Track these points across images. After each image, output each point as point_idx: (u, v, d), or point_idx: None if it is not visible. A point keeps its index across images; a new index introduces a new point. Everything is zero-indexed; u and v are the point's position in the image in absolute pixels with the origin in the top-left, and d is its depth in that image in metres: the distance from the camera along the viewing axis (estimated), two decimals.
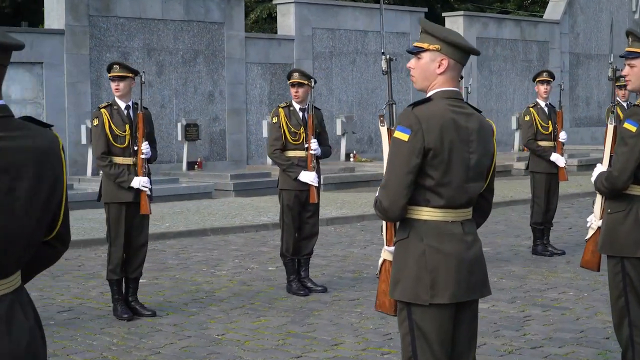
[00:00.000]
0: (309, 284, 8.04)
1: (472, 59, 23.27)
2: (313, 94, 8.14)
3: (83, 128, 16.16)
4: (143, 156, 7.14)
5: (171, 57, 18.60)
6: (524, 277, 8.62)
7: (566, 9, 26.71)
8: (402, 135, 3.51)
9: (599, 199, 4.86)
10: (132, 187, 7.09)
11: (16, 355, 2.53)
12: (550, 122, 9.91)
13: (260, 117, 19.61)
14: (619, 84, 9.56)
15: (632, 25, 27.15)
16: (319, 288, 8.02)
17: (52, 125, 2.66)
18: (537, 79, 10.12)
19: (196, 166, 18.06)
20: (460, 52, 3.61)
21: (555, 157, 9.79)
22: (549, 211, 9.92)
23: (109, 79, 7.26)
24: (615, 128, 4.94)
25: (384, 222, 3.79)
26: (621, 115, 7.32)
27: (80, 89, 17.19)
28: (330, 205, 14.20)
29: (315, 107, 8.10)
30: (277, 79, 20.06)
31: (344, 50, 21.56)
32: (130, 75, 7.22)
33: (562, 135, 9.92)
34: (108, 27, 17.67)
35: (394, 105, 3.91)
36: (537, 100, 10.08)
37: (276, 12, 22.06)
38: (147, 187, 7.13)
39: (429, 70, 3.63)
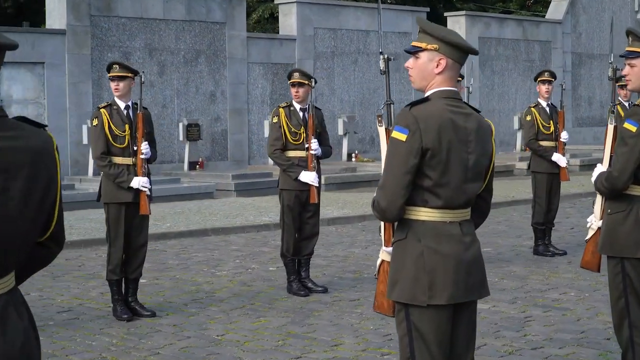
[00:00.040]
0: (310, 284, 8.02)
1: (475, 58, 23.26)
2: (313, 94, 8.12)
3: (84, 128, 16.15)
4: (142, 156, 7.13)
5: (173, 57, 18.60)
6: (525, 277, 8.59)
7: (568, 8, 26.68)
8: (399, 135, 3.48)
9: (599, 199, 4.84)
10: (132, 187, 7.08)
11: (10, 356, 2.52)
12: (551, 122, 9.89)
13: (261, 117, 19.60)
14: (620, 83, 9.53)
15: (635, 25, 27.12)
16: (320, 288, 8.00)
17: (46, 126, 2.65)
18: (539, 79, 10.11)
19: (198, 166, 18.05)
20: (458, 51, 3.59)
21: (556, 157, 9.77)
22: (550, 211, 9.90)
23: (109, 78, 7.25)
24: (615, 128, 4.91)
25: (382, 223, 3.77)
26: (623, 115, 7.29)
27: (81, 89, 17.19)
28: (332, 205, 14.19)
29: (316, 107, 8.08)
30: (278, 79, 20.05)
31: (346, 50, 21.55)
32: (129, 75, 7.20)
33: (564, 135, 9.90)
34: (109, 27, 17.67)
35: (392, 105, 3.89)
36: (539, 100, 10.06)
37: (278, 12, 22.05)
38: (146, 188, 7.12)
39: (427, 70, 3.60)
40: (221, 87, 19.34)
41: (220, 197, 15.88)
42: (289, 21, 20.89)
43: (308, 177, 7.87)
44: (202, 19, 19.04)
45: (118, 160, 7.14)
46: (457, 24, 23.94)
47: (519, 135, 21.70)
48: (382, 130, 3.77)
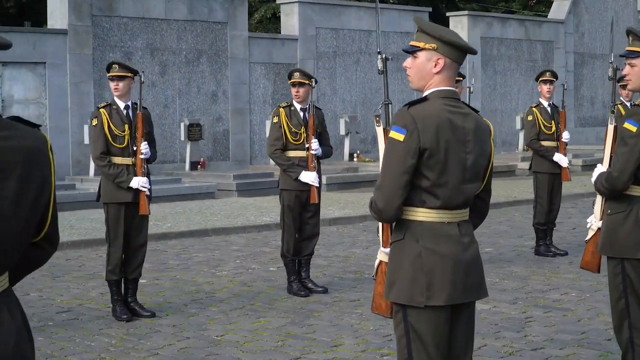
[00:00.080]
0: (310, 285, 8.00)
1: (477, 58, 23.25)
2: (314, 93, 8.10)
3: (86, 128, 16.16)
4: (142, 156, 7.11)
5: (174, 57, 18.59)
6: (526, 277, 8.57)
7: (571, 8, 26.65)
8: (397, 135, 3.46)
9: (599, 199, 4.82)
10: (131, 187, 7.07)
11: (4, 356, 2.51)
12: (553, 122, 9.87)
13: (263, 117, 19.59)
14: (622, 83, 9.50)
15: (638, 25, 27.09)
16: (320, 289, 7.98)
17: (40, 125, 2.64)
18: (540, 79, 10.09)
19: (199, 166, 18.04)
20: (456, 51, 3.57)
21: (558, 157, 9.75)
22: (551, 211, 9.87)
23: (108, 78, 7.23)
24: (615, 128, 4.89)
25: (380, 224, 3.75)
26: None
27: (83, 89, 17.18)
28: (333, 206, 14.17)
29: (316, 107, 8.06)
30: (280, 79, 20.04)
31: (348, 50, 21.53)
32: (129, 75, 7.19)
33: (565, 135, 9.87)
34: (111, 27, 17.67)
35: (390, 105, 3.87)
36: (540, 100, 10.04)
37: (280, 12, 22.04)
38: (146, 188, 7.10)
39: (425, 70, 3.58)
40: (223, 87, 19.33)
41: (222, 197, 15.87)
42: (290, 21, 20.88)
43: (308, 177, 7.85)
44: (204, 19, 19.03)
45: (117, 160, 7.13)
46: (460, 23, 23.92)
47: (521, 135, 21.65)
48: (380, 130, 3.75)
